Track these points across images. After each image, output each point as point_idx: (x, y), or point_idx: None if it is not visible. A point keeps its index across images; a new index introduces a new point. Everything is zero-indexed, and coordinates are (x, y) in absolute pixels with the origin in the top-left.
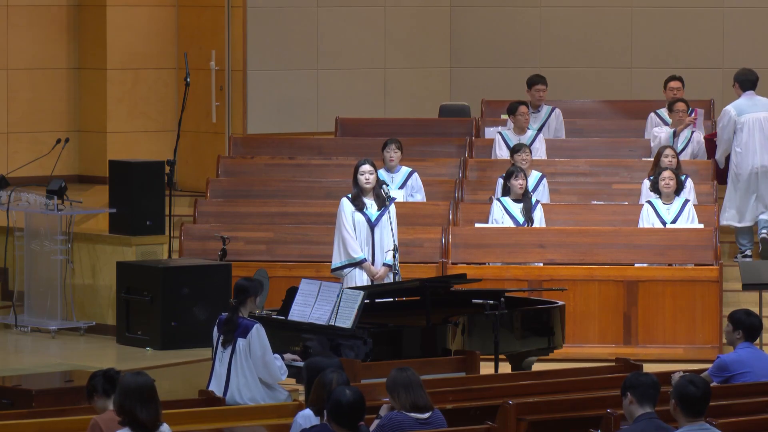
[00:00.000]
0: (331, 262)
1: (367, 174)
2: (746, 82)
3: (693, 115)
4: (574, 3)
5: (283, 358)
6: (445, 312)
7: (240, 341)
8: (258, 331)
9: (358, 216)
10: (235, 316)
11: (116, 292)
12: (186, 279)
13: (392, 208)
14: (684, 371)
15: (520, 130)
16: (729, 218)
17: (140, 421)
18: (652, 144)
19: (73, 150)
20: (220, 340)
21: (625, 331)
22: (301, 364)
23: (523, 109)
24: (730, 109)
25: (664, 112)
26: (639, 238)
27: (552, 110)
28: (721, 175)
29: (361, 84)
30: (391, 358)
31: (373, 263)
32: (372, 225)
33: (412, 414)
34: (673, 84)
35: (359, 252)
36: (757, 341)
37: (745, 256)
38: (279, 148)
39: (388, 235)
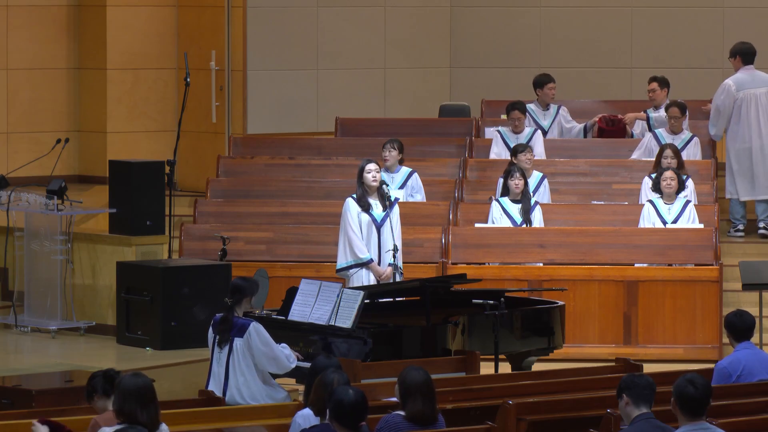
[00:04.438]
0: (331, 261)
1: (373, 172)
2: (748, 55)
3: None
4: (575, 3)
5: None
6: (445, 312)
7: (237, 341)
8: (256, 329)
9: (364, 216)
10: (230, 316)
11: (116, 292)
12: (186, 279)
13: (396, 208)
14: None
15: (516, 128)
16: (727, 193)
17: (141, 424)
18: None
19: (73, 150)
20: (216, 341)
21: (625, 331)
22: (299, 363)
23: (515, 114)
24: (731, 83)
25: (651, 111)
26: (639, 238)
27: (559, 108)
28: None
29: (361, 84)
30: (391, 358)
31: (379, 263)
32: (378, 225)
33: None
34: (650, 86)
35: (365, 252)
36: (757, 342)
37: (738, 231)
38: (279, 148)
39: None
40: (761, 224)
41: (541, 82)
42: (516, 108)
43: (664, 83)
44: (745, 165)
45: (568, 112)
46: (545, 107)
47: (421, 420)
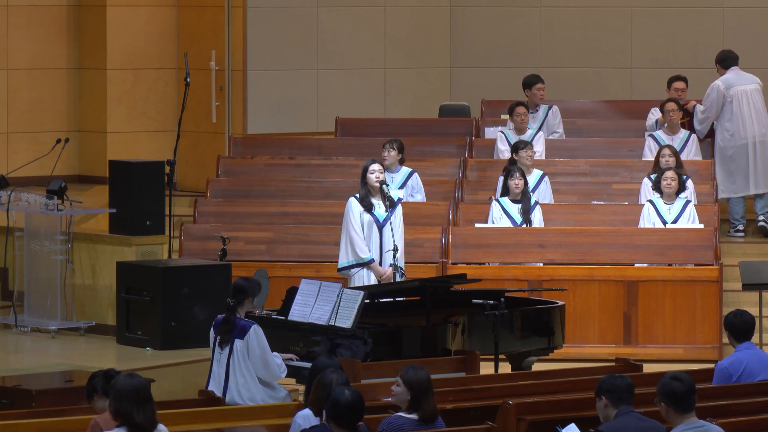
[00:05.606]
0: (331, 261)
1: (377, 172)
2: (728, 60)
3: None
4: (574, 3)
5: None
6: (445, 312)
7: (237, 342)
8: (256, 332)
9: (366, 216)
10: (232, 317)
11: (116, 292)
12: (186, 279)
13: (399, 208)
14: None
15: (519, 130)
16: (721, 191)
17: (137, 424)
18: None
19: (73, 150)
20: (217, 341)
21: (625, 331)
22: (296, 363)
23: (520, 110)
24: (719, 83)
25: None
26: (639, 238)
27: (549, 108)
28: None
29: (361, 84)
30: (391, 358)
31: (380, 263)
32: (380, 225)
33: (413, 414)
34: (678, 84)
35: (367, 252)
36: (757, 342)
37: (738, 231)
38: (279, 148)
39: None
40: (761, 218)
41: (530, 82)
42: (521, 104)
43: (687, 83)
44: (741, 161)
45: (560, 114)
46: (534, 108)
47: (432, 417)
